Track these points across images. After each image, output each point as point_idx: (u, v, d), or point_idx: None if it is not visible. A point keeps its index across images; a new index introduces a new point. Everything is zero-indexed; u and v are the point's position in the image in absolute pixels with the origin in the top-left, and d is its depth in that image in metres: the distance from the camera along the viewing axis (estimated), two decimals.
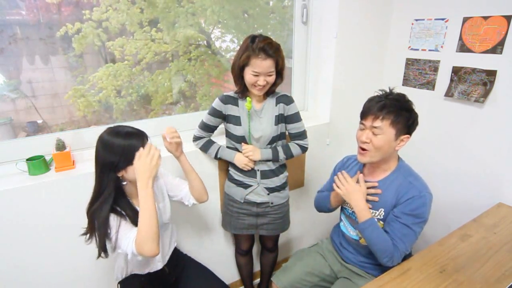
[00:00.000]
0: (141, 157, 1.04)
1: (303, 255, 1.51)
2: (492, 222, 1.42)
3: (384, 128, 1.18)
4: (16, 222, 1.27)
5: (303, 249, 1.57)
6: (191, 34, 1.69)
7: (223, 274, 1.59)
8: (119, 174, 1.11)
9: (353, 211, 1.36)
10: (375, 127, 1.19)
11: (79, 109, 1.56)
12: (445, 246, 1.28)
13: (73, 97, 1.53)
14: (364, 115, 1.24)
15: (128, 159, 1.07)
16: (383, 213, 1.26)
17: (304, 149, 1.51)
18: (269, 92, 1.44)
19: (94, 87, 1.57)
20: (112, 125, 1.14)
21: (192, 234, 1.76)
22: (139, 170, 1.03)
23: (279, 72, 1.38)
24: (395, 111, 1.17)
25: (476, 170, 1.70)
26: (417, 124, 1.23)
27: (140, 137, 1.10)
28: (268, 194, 1.53)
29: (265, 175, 1.51)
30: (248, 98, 1.36)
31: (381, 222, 1.27)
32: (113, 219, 1.10)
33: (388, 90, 1.25)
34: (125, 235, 1.09)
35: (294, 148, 1.50)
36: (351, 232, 1.39)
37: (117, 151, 1.07)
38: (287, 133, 1.53)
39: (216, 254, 1.88)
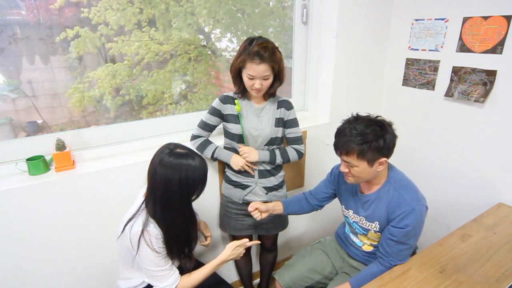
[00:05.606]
0: (236, 246, 1.29)
1: (305, 253, 1.53)
2: (492, 222, 1.43)
3: (354, 162, 1.16)
4: (16, 222, 1.27)
5: (305, 247, 1.57)
6: (188, 35, 1.68)
7: (223, 274, 1.59)
8: (194, 198, 1.15)
9: (353, 221, 1.37)
10: (346, 161, 1.19)
11: (72, 104, 1.52)
12: (445, 246, 1.28)
13: (73, 95, 1.52)
14: (334, 149, 1.23)
15: (205, 178, 1.13)
16: (378, 226, 1.27)
17: (300, 154, 1.53)
18: (270, 94, 1.45)
19: (93, 85, 1.56)
20: (164, 151, 1.09)
21: None
22: (231, 255, 1.29)
23: (278, 75, 1.38)
24: (358, 145, 1.13)
25: (476, 170, 1.70)
26: (393, 146, 1.18)
27: (195, 154, 1.13)
28: (267, 193, 1.53)
29: (263, 174, 1.51)
30: (236, 101, 1.43)
31: (378, 234, 1.28)
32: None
33: (355, 115, 1.22)
34: (162, 274, 1.16)
35: (291, 152, 1.51)
36: (354, 239, 1.40)
37: (199, 173, 1.09)
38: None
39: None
